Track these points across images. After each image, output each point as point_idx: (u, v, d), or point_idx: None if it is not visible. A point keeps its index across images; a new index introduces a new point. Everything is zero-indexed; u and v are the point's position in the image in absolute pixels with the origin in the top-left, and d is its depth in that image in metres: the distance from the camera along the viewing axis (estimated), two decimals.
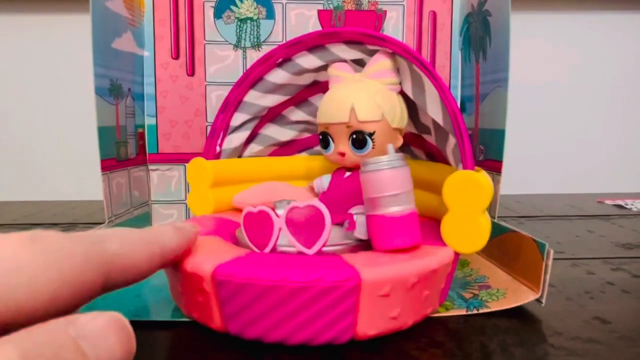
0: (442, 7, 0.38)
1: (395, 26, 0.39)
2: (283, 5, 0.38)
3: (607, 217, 0.53)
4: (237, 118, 0.33)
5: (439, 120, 0.27)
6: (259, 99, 0.33)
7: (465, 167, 0.25)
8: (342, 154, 0.28)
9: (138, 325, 0.24)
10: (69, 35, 0.62)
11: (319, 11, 0.38)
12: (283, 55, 0.31)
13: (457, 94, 0.39)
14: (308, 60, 0.31)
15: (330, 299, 0.20)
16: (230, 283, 0.21)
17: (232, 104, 0.33)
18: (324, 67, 0.31)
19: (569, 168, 0.71)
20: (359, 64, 0.31)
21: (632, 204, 0.59)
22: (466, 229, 0.24)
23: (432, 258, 0.23)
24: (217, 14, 0.38)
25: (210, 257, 0.22)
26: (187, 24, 0.37)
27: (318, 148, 0.34)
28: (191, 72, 0.38)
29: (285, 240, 0.24)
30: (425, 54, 0.39)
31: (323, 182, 0.31)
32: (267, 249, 0.24)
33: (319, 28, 0.38)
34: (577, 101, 0.71)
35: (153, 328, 0.24)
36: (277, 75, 0.32)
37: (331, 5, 0.38)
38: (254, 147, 0.35)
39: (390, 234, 0.23)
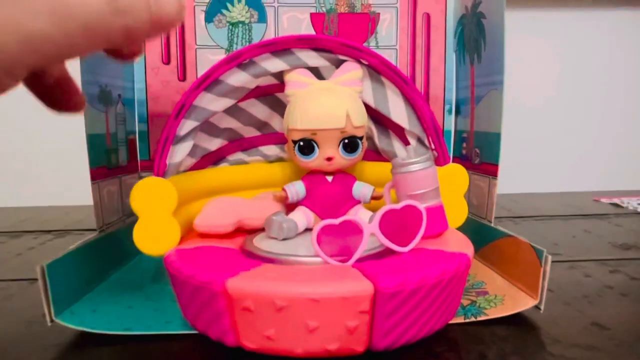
0: (435, 9, 0.38)
1: (389, 28, 0.38)
2: (275, 9, 0.37)
3: (603, 215, 0.53)
4: (185, 125, 0.28)
5: (405, 125, 0.30)
6: (210, 103, 0.28)
7: (445, 162, 0.30)
8: (330, 159, 0.28)
9: (132, 339, 0.23)
10: None
11: (312, 14, 0.37)
12: (253, 55, 0.29)
13: (451, 96, 0.39)
14: (272, 64, 0.29)
15: (459, 283, 0.24)
16: (402, 293, 0.21)
17: (187, 108, 0.28)
18: (279, 72, 0.30)
19: (564, 166, 0.71)
20: (313, 71, 0.30)
21: (627, 202, 0.59)
22: (454, 209, 0.29)
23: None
24: (208, 18, 0.37)
25: (345, 278, 0.21)
26: (178, 28, 0.37)
27: (236, 157, 0.33)
28: (182, 77, 0.37)
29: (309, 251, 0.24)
30: (420, 56, 0.39)
31: (297, 189, 0.30)
32: (353, 260, 0.23)
33: (312, 31, 0.38)
34: (571, 99, 0.71)
35: (147, 340, 0.24)
36: (236, 77, 0.29)
37: (324, 9, 0.38)
38: (187, 160, 0.30)
39: (432, 222, 0.26)
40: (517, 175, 0.65)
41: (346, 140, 0.28)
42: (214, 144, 0.32)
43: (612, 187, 0.69)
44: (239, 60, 0.28)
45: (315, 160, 0.29)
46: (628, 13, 0.69)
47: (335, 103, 0.28)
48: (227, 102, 0.29)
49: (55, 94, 0.21)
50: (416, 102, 0.30)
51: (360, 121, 0.28)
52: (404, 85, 0.30)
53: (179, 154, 0.28)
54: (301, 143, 0.28)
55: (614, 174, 0.72)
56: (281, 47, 0.29)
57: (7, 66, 0.15)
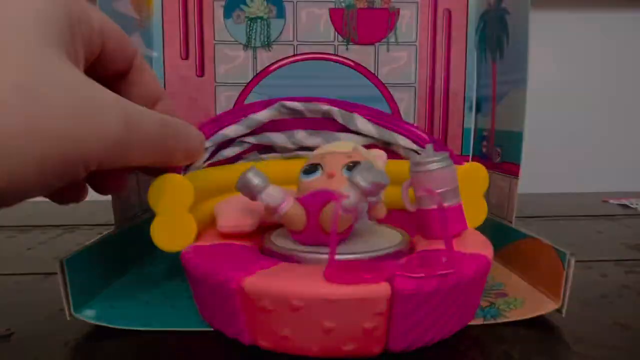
0: (456, 5, 0.38)
1: (409, 24, 0.38)
2: (294, 4, 0.37)
3: (613, 217, 0.53)
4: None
5: (374, 134, 0.32)
6: (225, 130, 0.31)
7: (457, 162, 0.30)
8: (332, 175, 0.27)
9: (150, 335, 0.23)
10: None
11: (331, 10, 0.37)
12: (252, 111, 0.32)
13: (472, 94, 0.39)
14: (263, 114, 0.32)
15: (478, 285, 0.24)
16: (419, 294, 0.20)
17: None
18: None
19: (572, 166, 0.71)
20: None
21: (637, 204, 0.59)
22: (473, 208, 0.29)
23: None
24: (227, 14, 0.37)
25: (357, 277, 0.21)
26: (196, 24, 0.37)
27: (252, 157, 0.34)
28: (201, 72, 0.37)
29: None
30: (441, 53, 0.38)
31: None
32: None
33: (331, 27, 0.37)
34: (581, 99, 0.71)
35: (165, 337, 0.24)
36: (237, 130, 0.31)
37: (343, 4, 0.37)
38: (205, 164, 0.32)
39: (451, 223, 0.26)
40: (524, 174, 0.65)
41: (350, 164, 0.27)
42: (231, 152, 0.32)
43: (620, 188, 0.69)
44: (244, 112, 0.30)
45: (317, 180, 0.27)
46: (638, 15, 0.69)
47: (343, 143, 0.30)
48: (242, 131, 0.31)
49: (102, 182, 0.23)
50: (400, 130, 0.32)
51: (364, 155, 0.29)
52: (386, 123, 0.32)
53: (198, 161, 0.28)
54: (307, 167, 0.28)
55: (622, 175, 0.72)
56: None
57: (86, 160, 0.17)
